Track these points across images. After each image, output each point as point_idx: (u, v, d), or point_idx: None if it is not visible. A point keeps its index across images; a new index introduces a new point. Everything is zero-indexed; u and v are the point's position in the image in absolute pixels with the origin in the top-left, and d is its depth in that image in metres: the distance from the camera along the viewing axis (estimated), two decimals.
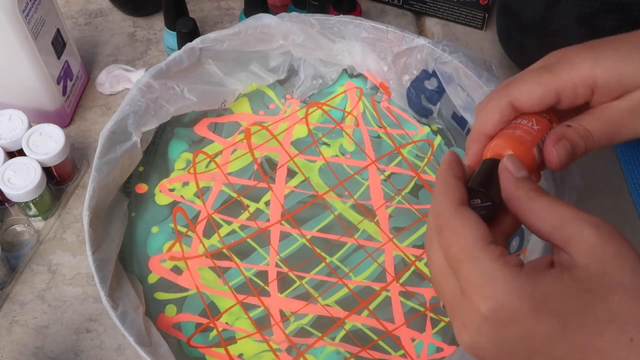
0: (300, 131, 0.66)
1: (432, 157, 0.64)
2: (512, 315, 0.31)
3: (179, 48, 0.63)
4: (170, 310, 0.56)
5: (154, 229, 0.59)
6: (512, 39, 0.66)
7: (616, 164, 0.67)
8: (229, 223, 0.60)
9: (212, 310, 0.56)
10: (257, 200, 0.61)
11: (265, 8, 0.69)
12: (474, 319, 0.32)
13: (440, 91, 0.63)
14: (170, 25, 0.69)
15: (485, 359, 0.33)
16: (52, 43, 0.63)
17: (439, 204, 0.36)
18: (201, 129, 0.65)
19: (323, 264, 0.58)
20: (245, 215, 0.60)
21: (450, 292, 0.34)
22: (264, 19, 0.62)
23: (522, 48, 0.65)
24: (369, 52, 0.65)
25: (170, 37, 0.70)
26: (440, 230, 0.35)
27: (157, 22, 0.77)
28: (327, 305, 0.56)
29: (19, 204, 0.60)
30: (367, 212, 0.61)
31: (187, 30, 0.67)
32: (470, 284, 0.32)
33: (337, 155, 0.64)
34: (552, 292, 0.31)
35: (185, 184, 0.62)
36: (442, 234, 0.35)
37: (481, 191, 0.37)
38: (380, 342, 0.55)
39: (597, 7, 0.57)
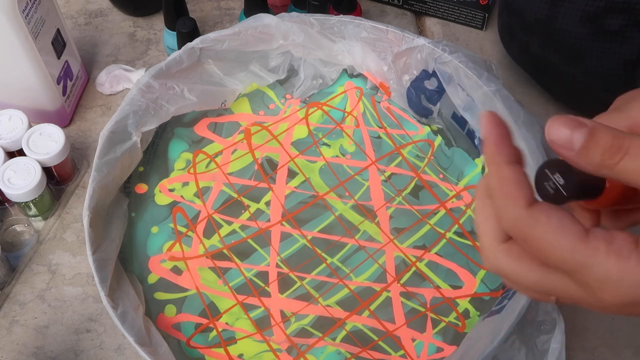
0: (300, 131, 0.66)
1: (432, 157, 0.64)
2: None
3: (179, 48, 0.63)
4: (170, 311, 0.56)
5: (154, 229, 0.59)
6: (514, 39, 0.66)
7: None
8: (229, 223, 0.60)
9: (212, 311, 0.56)
10: (257, 201, 0.61)
11: (265, 8, 0.69)
12: (605, 307, 0.31)
13: (440, 91, 0.63)
14: (170, 25, 0.69)
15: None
16: (52, 43, 0.63)
17: (507, 213, 0.31)
18: (201, 129, 0.65)
19: (324, 265, 0.58)
20: (246, 215, 0.60)
21: (565, 292, 0.32)
22: (264, 19, 0.62)
23: (525, 47, 0.65)
24: (369, 52, 0.65)
25: (170, 37, 0.70)
26: (525, 242, 0.31)
27: (157, 22, 0.77)
28: (327, 305, 0.56)
29: (19, 204, 0.60)
30: (368, 212, 0.61)
31: (187, 30, 0.67)
32: (592, 287, 0.30)
33: (337, 156, 0.64)
34: None
35: (185, 184, 0.62)
36: (531, 246, 0.31)
37: (561, 167, 0.32)
38: (381, 343, 0.55)
39: (602, 6, 0.57)
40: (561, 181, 0.32)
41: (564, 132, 0.30)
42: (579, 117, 0.30)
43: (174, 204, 0.61)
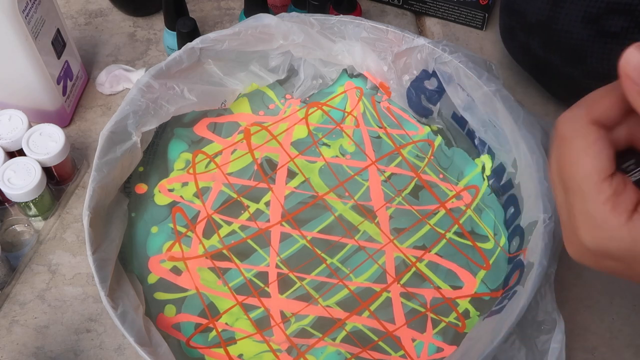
0: (300, 132, 0.66)
1: (432, 157, 0.64)
2: (613, 255, 0.31)
3: (179, 48, 0.63)
4: (170, 311, 0.56)
5: (154, 229, 0.59)
6: (515, 39, 0.66)
7: None
8: (229, 223, 0.60)
9: (211, 311, 0.56)
10: (257, 201, 0.61)
11: (265, 8, 0.69)
12: (578, 244, 0.32)
13: (440, 91, 0.63)
14: (170, 25, 0.69)
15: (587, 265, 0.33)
16: (52, 43, 0.63)
17: (572, 111, 0.31)
18: (201, 129, 0.65)
19: (324, 265, 0.58)
20: (246, 215, 0.60)
21: (560, 202, 0.33)
22: (264, 19, 0.62)
23: (527, 48, 0.65)
24: (369, 52, 0.65)
25: (170, 37, 0.70)
26: (561, 141, 0.32)
27: (157, 22, 0.77)
28: (327, 306, 0.56)
29: (19, 204, 0.60)
30: (368, 213, 0.61)
31: (187, 30, 0.67)
32: (576, 216, 0.31)
33: (337, 156, 0.64)
34: None
35: (185, 184, 0.62)
36: (561, 148, 0.32)
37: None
38: (381, 343, 0.55)
39: (603, 8, 0.57)
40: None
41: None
42: None
43: (173, 204, 0.61)
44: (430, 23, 0.78)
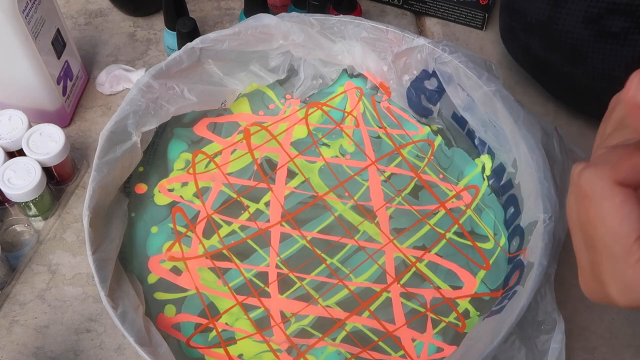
0: (300, 132, 0.66)
1: (432, 157, 0.64)
2: None
3: (179, 48, 0.63)
4: (170, 311, 0.56)
5: (154, 229, 0.59)
6: (516, 39, 0.66)
7: None
8: (228, 223, 0.60)
9: (211, 311, 0.56)
10: (257, 201, 0.61)
11: (265, 8, 0.69)
12: (603, 295, 0.31)
13: (440, 91, 0.63)
14: (170, 25, 0.69)
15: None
16: (52, 43, 0.63)
17: (597, 170, 0.30)
18: (200, 129, 0.65)
19: (323, 265, 0.58)
20: (245, 215, 0.60)
21: (579, 248, 0.32)
22: (264, 19, 0.62)
23: (527, 48, 0.65)
24: (369, 52, 0.65)
25: (170, 37, 0.70)
26: (585, 199, 0.31)
27: (157, 22, 0.77)
28: (327, 306, 0.56)
29: (19, 204, 0.60)
30: (368, 213, 0.61)
31: (187, 30, 0.67)
32: (604, 273, 0.31)
33: (337, 156, 0.64)
34: None
35: (185, 184, 0.62)
36: (585, 207, 0.31)
37: None
38: (381, 343, 0.55)
39: (604, 8, 0.57)
40: None
41: None
42: None
43: (173, 204, 0.61)
44: (430, 23, 0.78)
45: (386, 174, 0.63)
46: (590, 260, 0.32)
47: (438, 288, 0.57)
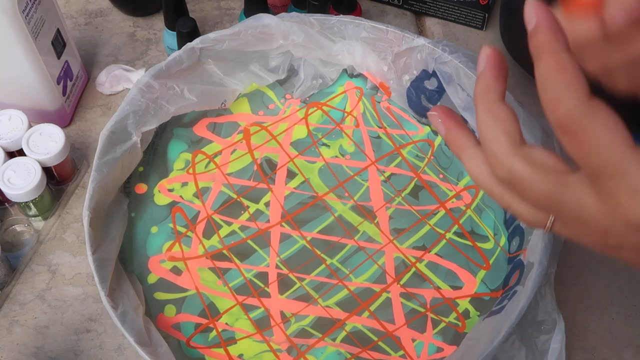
0: (299, 132, 0.66)
1: (432, 157, 0.64)
2: None
3: (179, 48, 0.63)
4: (170, 311, 0.56)
5: (154, 229, 0.59)
6: (516, 39, 0.66)
7: None
8: (228, 224, 0.60)
9: (211, 311, 0.56)
10: (257, 201, 0.61)
11: (265, 8, 0.69)
12: (616, 226, 0.31)
13: (440, 91, 0.63)
14: (170, 25, 0.69)
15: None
16: (52, 43, 0.63)
17: (566, 102, 0.30)
18: (200, 129, 0.65)
19: (323, 266, 0.58)
20: (245, 216, 0.60)
21: (577, 206, 0.31)
22: (264, 19, 0.62)
23: (527, 48, 0.65)
24: (369, 52, 0.65)
25: (170, 37, 0.70)
26: (575, 135, 0.30)
27: (157, 22, 0.77)
28: (327, 306, 0.56)
29: (19, 204, 0.60)
30: (367, 213, 0.61)
31: (187, 30, 0.67)
32: (618, 199, 0.30)
33: (336, 156, 0.64)
34: None
35: (185, 184, 0.62)
36: (580, 139, 0.30)
37: None
38: (381, 343, 0.55)
39: None
40: None
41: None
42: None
43: (173, 204, 0.61)
44: (430, 23, 0.78)
45: (386, 174, 0.63)
46: (597, 193, 0.31)
47: (438, 288, 0.57)
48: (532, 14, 0.32)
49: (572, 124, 0.30)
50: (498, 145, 0.33)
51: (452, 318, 0.56)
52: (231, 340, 0.54)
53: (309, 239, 0.59)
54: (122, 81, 0.70)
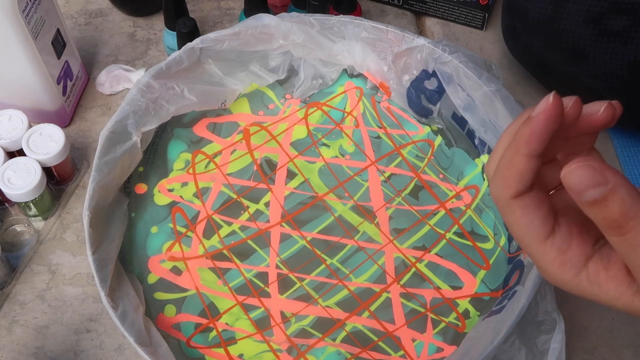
0: (299, 132, 0.66)
1: (432, 157, 0.64)
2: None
3: (179, 48, 0.63)
4: (170, 311, 0.56)
5: (154, 229, 0.59)
6: (518, 39, 0.66)
7: (615, 163, 0.67)
8: (229, 224, 0.60)
9: (211, 311, 0.56)
10: (257, 201, 0.61)
11: (265, 8, 0.69)
12: (547, 277, 0.35)
13: (440, 91, 0.63)
14: (170, 25, 0.69)
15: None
16: (52, 43, 0.63)
17: (494, 192, 0.35)
18: (200, 129, 0.65)
19: (323, 266, 0.58)
20: (245, 216, 0.60)
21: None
22: (264, 19, 0.62)
23: (529, 48, 0.65)
24: (369, 52, 0.65)
25: (170, 37, 0.70)
26: (501, 211, 0.35)
27: (157, 22, 0.77)
28: (327, 306, 0.56)
29: (19, 204, 0.60)
30: (367, 213, 0.61)
31: (187, 30, 0.67)
32: (537, 266, 0.35)
33: (336, 156, 0.64)
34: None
35: (185, 184, 0.62)
36: (504, 216, 0.35)
37: None
38: (381, 343, 0.55)
39: (606, 7, 0.57)
40: None
41: (583, 184, 0.30)
42: (602, 166, 0.30)
43: (173, 204, 0.61)
44: (430, 23, 0.78)
45: (386, 174, 0.63)
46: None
47: (438, 288, 0.57)
48: (541, 106, 0.34)
49: (500, 205, 0.35)
50: (524, 247, 0.36)
51: (452, 318, 0.56)
52: (231, 340, 0.54)
53: (309, 239, 0.59)
54: (122, 81, 0.70)
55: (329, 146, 0.65)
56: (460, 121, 0.64)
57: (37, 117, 0.65)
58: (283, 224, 0.60)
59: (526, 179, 0.34)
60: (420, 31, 0.77)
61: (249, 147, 0.64)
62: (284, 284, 0.57)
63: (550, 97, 0.33)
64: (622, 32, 0.57)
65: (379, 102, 0.68)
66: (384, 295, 0.57)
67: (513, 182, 0.34)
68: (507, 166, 0.34)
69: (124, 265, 0.57)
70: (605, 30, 0.58)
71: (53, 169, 0.61)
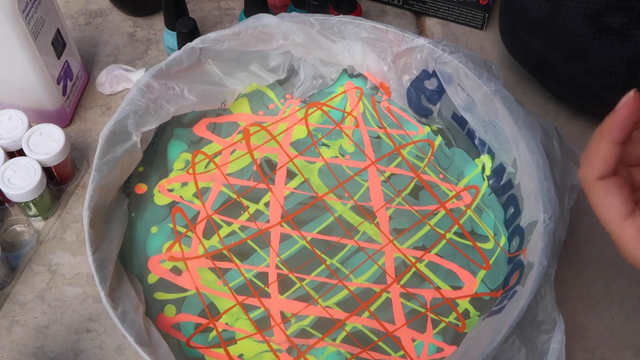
0: (299, 132, 0.66)
1: (432, 157, 0.64)
2: None
3: (179, 48, 0.63)
4: (170, 311, 0.56)
5: (154, 229, 0.59)
6: (516, 38, 0.66)
7: None
8: (228, 224, 0.60)
9: (211, 311, 0.56)
10: (256, 202, 0.61)
11: (265, 8, 0.69)
12: (625, 255, 0.40)
13: (440, 91, 0.63)
14: (170, 25, 0.69)
15: None
16: (52, 43, 0.63)
17: (580, 173, 0.40)
18: (200, 129, 0.65)
19: (323, 266, 0.58)
20: (245, 216, 0.60)
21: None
22: (264, 19, 0.62)
23: (527, 46, 0.65)
24: (369, 52, 0.65)
25: (170, 37, 0.70)
26: (586, 191, 0.40)
27: (157, 22, 0.77)
28: (327, 306, 0.56)
29: (19, 204, 0.60)
30: (367, 213, 0.61)
31: (187, 30, 0.67)
32: (616, 244, 0.40)
33: (336, 156, 0.64)
34: None
35: (184, 184, 0.62)
36: (588, 195, 0.40)
37: None
38: (381, 343, 0.55)
39: (604, 4, 0.57)
40: None
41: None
42: None
43: (173, 204, 0.61)
44: (430, 23, 0.78)
45: (386, 174, 0.63)
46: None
47: (438, 288, 0.57)
48: (623, 103, 0.38)
49: (585, 185, 0.40)
50: (605, 225, 0.40)
51: (452, 318, 0.56)
52: (231, 340, 0.55)
53: (309, 239, 0.59)
54: (122, 81, 0.70)
55: (329, 146, 0.65)
56: (460, 121, 0.64)
57: (37, 117, 0.65)
58: (283, 224, 0.60)
59: (609, 162, 0.38)
60: (420, 31, 0.77)
61: (248, 147, 0.64)
62: (284, 284, 0.57)
63: (631, 93, 0.38)
64: (621, 29, 0.57)
65: (379, 102, 0.68)
66: (384, 295, 0.57)
67: (597, 165, 0.39)
68: (594, 151, 0.39)
69: (124, 265, 0.57)
70: (604, 27, 0.58)
71: (53, 169, 0.61)
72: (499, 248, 0.59)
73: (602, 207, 0.39)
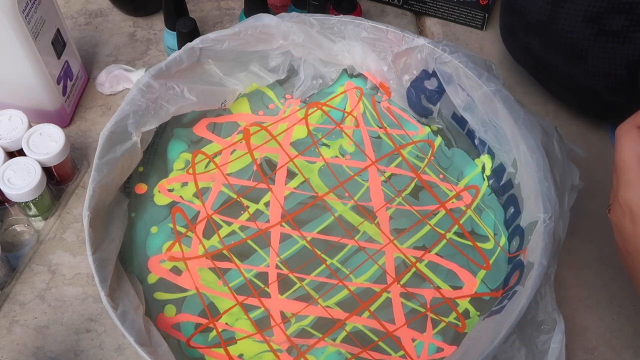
0: (299, 132, 0.66)
1: (432, 157, 0.64)
2: None
3: (179, 48, 0.63)
4: (170, 311, 0.56)
5: (154, 229, 0.59)
6: (516, 39, 0.66)
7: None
8: (228, 224, 0.60)
9: (211, 311, 0.56)
10: (256, 201, 0.61)
11: (265, 8, 0.69)
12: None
13: (440, 91, 0.63)
14: (170, 25, 0.69)
15: None
16: (52, 43, 0.63)
17: (621, 153, 0.44)
18: (200, 129, 0.65)
19: (323, 266, 0.58)
20: (245, 216, 0.60)
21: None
22: (264, 19, 0.62)
23: (527, 48, 0.65)
24: (369, 52, 0.65)
25: (170, 37, 0.70)
26: (620, 137, 0.44)
27: (157, 22, 0.77)
28: (327, 306, 0.56)
29: (19, 204, 0.60)
30: (368, 213, 0.61)
31: (187, 30, 0.67)
32: (633, 192, 0.43)
33: (336, 156, 0.64)
34: None
35: (184, 184, 0.62)
36: (620, 141, 0.44)
37: None
38: (381, 343, 0.55)
39: (604, 6, 0.57)
40: None
41: None
42: None
43: (173, 204, 0.61)
44: (430, 23, 0.78)
45: (386, 174, 0.63)
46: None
47: (438, 288, 0.57)
48: None
49: (625, 172, 0.45)
50: (626, 170, 0.44)
51: (452, 318, 0.56)
52: (231, 340, 0.55)
53: (309, 239, 0.59)
54: (122, 81, 0.70)
55: (329, 146, 0.65)
56: (460, 121, 0.64)
57: (37, 117, 0.65)
58: (283, 224, 0.60)
59: None
60: (420, 31, 0.77)
61: (248, 147, 0.64)
62: (284, 284, 0.57)
63: None
64: (621, 31, 0.57)
65: (379, 102, 0.68)
66: (384, 295, 0.57)
67: (638, 114, 0.44)
68: None
69: (124, 265, 0.57)
70: (604, 29, 0.58)
71: (53, 169, 0.61)
72: (499, 248, 0.59)
73: (629, 151, 0.43)
